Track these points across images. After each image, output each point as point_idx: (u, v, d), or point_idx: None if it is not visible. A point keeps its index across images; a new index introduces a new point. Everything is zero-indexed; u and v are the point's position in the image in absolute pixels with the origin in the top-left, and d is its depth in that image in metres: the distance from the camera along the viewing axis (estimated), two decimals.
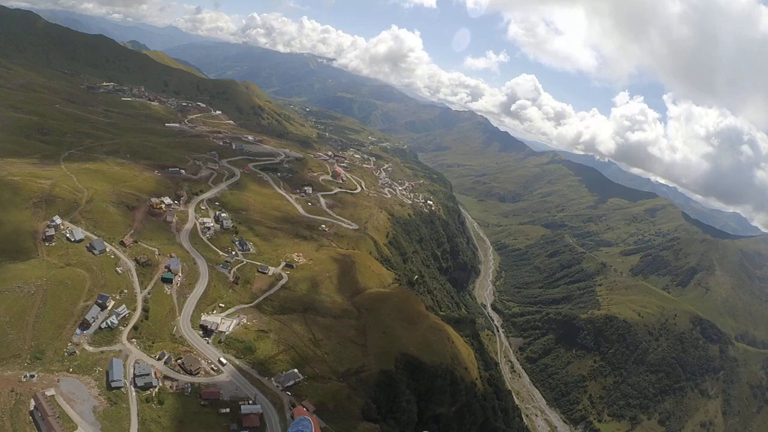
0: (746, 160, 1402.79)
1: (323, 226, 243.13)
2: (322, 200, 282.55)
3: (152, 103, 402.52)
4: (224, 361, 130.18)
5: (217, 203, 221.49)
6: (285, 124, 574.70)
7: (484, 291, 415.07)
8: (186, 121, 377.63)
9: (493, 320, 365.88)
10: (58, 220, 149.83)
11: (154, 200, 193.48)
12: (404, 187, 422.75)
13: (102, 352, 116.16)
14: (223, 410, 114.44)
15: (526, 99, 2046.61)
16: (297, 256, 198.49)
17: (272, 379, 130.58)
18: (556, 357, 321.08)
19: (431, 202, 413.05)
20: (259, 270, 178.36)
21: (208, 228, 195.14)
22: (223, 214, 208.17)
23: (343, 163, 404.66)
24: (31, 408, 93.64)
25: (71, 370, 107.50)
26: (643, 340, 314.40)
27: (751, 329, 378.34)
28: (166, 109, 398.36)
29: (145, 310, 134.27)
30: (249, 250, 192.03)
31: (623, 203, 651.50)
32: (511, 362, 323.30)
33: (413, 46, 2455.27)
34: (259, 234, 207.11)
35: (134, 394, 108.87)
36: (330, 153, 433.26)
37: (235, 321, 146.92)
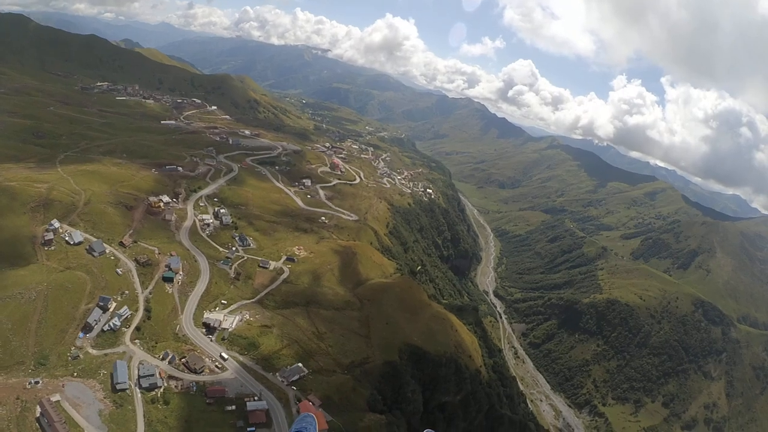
0: (745, 142, 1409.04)
1: (323, 218, 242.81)
2: (321, 192, 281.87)
3: (147, 101, 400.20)
4: (226, 356, 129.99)
5: (215, 199, 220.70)
6: (281, 117, 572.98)
7: (485, 278, 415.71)
8: (182, 117, 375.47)
9: (495, 307, 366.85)
10: (56, 224, 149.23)
11: (153, 199, 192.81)
12: (403, 176, 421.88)
13: (105, 354, 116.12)
14: (229, 408, 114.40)
15: (523, 85, 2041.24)
16: (298, 249, 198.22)
17: (277, 374, 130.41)
18: (559, 342, 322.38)
19: (431, 191, 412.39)
20: (260, 265, 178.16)
21: (208, 225, 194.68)
22: (222, 210, 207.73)
23: (341, 154, 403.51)
24: (38, 415, 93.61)
25: (75, 374, 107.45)
26: (645, 323, 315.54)
27: (753, 311, 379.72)
28: (161, 106, 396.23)
29: (147, 310, 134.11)
30: (249, 245, 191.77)
31: (623, 187, 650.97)
32: (514, 348, 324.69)
33: (408, 34, 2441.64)
34: (259, 229, 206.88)
35: (139, 395, 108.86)
36: (328, 144, 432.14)
37: (237, 317, 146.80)
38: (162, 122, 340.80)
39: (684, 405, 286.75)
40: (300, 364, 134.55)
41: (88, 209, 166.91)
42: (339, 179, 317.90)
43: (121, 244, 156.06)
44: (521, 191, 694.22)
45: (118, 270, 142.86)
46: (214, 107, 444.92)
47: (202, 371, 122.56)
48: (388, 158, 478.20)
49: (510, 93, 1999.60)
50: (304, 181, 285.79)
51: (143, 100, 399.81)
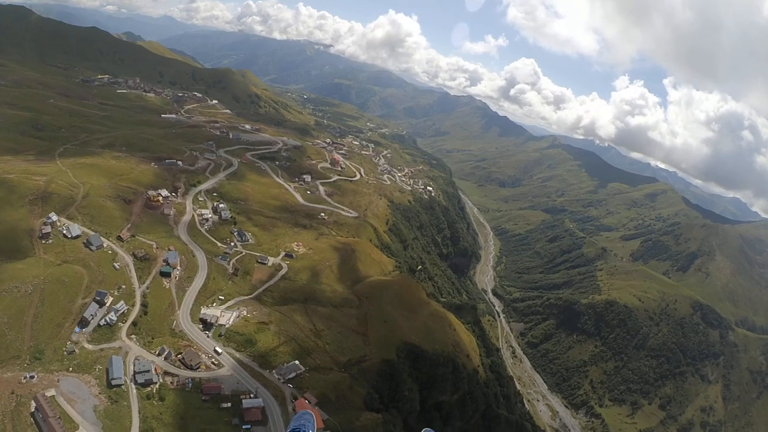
0: (746, 145, 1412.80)
1: (322, 214, 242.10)
2: (321, 188, 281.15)
3: (148, 94, 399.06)
4: (219, 350, 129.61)
5: (215, 194, 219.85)
6: (282, 112, 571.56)
7: (484, 276, 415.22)
8: (182, 111, 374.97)
9: (494, 306, 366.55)
10: (54, 217, 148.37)
11: (151, 193, 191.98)
12: (403, 173, 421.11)
13: (101, 349, 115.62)
14: (225, 405, 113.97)
15: (525, 83, 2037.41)
16: (297, 245, 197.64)
17: (273, 371, 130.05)
18: (557, 342, 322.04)
19: (431, 188, 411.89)
20: (259, 261, 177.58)
21: (207, 219, 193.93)
22: (221, 205, 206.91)
23: (342, 150, 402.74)
24: (32, 409, 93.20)
25: (71, 369, 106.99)
26: (643, 325, 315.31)
27: (751, 315, 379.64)
28: (161, 100, 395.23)
29: (143, 305, 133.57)
30: (248, 240, 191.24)
31: (623, 188, 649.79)
32: (512, 347, 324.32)
33: (411, 30, 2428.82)
34: (258, 224, 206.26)
35: (135, 391, 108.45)
36: (328, 140, 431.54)
37: (235, 313, 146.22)
38: (162, 116, 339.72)
39: (681, 408, 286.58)
40: (297, 362, 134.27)
41: (86, 202, 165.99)
42: (339, 175, 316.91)
43: (119, 238, 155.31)
44: (521, 190, 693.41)
45: (116, 264, 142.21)
46: (215, 101, 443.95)
47: (199, 367, 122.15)
48: (388, 155, 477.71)
49: (512, 91, 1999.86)
50: (304, 176, 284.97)
51: (144, 93, 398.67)
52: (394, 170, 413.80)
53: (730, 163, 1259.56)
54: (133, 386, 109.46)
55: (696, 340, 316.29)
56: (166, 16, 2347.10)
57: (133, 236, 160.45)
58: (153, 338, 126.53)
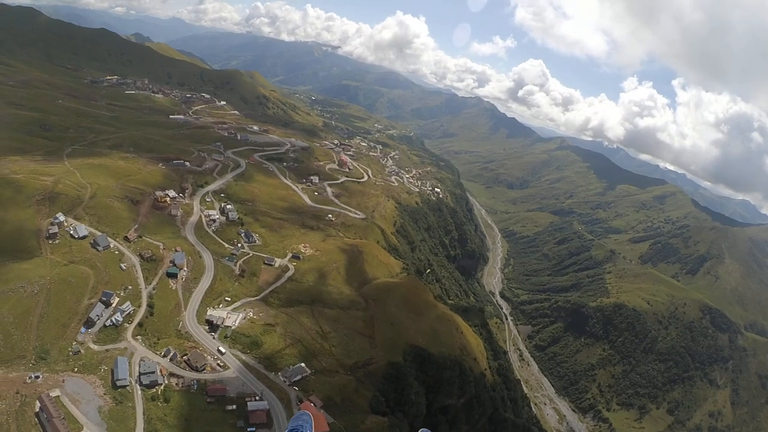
0: (756, 147, 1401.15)
1: (330, 215, 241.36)
2: (328, 189, 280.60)
3: (156, 95, 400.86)
4: (223, 350, 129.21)
5: (222, 195, 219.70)
6: (290, 114, 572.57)
7: (492, 279, 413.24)
8: (190, 112, 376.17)
9: (501, 308, 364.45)
10: (61, 217, 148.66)
11: (159, 193, 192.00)
12: (411, 174, 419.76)
13: (107, 350, 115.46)
14: (230, 407, 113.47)
15: (533, 85, 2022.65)
16: (304, 247, 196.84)
17: (279, 373, 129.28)
18: (564, 345, 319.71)
19: (439, 190, 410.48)
20: (266, 262, 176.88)
21: (214, 220, 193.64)
22: (228, 206, 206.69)
23: (350, 151, 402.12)
24: (37, 409, 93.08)
25: (76, 369, 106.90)
26: (652, 328, 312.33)
27: (760, 319, 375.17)
28: (170, 100, 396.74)
29: (149, 306, 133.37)
30: (255, 241, 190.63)
31: (632, 190, 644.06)
32: (519, 350, 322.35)
33: (418, 32, 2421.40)
34: (265, 225, 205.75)
35: (140, 392, 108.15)
36: (336, 141, 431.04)
37: (241, 315, 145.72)
38: (170, 117, 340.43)
39: (689, 412, 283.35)
40: (303, 364, 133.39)
41: (93, 203, 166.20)
42: (347, 177, 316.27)
43: (126, 238, 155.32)
44: (530, 192, 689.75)
45: (122, 265, 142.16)
46: (223, 102, 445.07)
47: (204, 369, 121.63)
48: (396, 156, 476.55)
49: (520, 93, 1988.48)
50: (311, 177, 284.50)
51: (152, 94, 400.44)
52: (402, 171, 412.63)
53: (739, 165, 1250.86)
54: (138, 387, 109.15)
55: (705, 344, 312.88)
56: (175, 18, 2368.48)
57: (140, 237, 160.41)
58: (159, 339, 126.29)
